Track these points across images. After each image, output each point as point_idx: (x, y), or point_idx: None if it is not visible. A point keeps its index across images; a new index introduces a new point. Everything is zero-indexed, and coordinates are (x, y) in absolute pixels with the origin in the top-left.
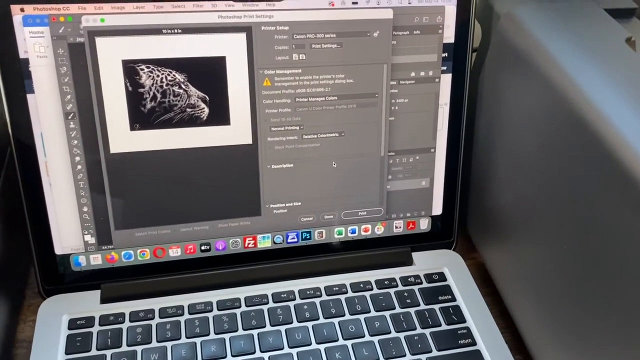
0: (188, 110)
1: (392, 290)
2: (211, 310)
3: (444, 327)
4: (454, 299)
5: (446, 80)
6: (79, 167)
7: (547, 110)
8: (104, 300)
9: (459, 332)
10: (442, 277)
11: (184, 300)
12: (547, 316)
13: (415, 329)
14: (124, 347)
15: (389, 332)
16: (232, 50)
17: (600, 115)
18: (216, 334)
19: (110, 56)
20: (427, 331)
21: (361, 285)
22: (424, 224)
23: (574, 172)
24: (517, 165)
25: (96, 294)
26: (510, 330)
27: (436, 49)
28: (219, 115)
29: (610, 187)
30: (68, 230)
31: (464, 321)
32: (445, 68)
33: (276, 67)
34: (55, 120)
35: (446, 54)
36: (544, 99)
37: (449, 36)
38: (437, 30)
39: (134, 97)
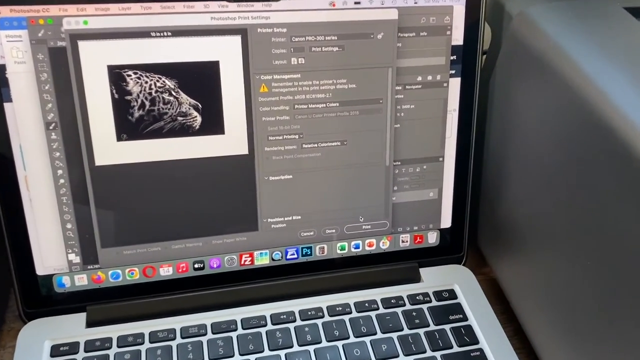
0: (179, 118)
1: (399, 310)
2: (205, 334)
3: (456, 349)
4: (465, 318)
5: (455, 84)
6: (62, 181)
7: (566, 116)
8: (90, 323)
9: (471, 354)
10: (452, 294)
11: (176, 323)
12: (565, 335)
13: (425, 351)
14: None
15: (397, 356)
16: (226, 54)
17: (626, 120)
18: (211, 359)
19: (95, 61)
20: (437, 354)
21: (366, 305)
22: (432, 238)
23: (596, 181)
24: (532, 175)
25: (81, 317)
26: (526, 350)
27: (444, 52)
28: (213, 124)
29: (637, 197)
30: (50, 248)
31: (477, 342)
32: (453, 72)
33: (273, 72)
34: (36, 131)
35: (455, 57)
36: (562, 103)
37: (458, 38)
38: (445, 32)
39: (121, 105)
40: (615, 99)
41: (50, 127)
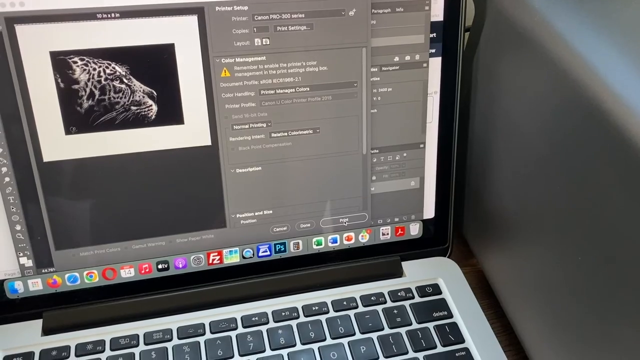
0: (133, 108)
1: (379, 308)
2: (170, 340)
3: (440, 349)
4: (450, 315)
5: (435, 64)
6: (7, 179)
7: (555, 98)
8: (47, 331)
9: (457, 354)
10: (436, 289)
11: (139, 328)
12: (555, 332)
13: (406, 352)
14: None
15: (377, 358)
16: (182, 36)
17: (620, 103)
18: None
19: (36, 47)
20: (420, 355)
21: (344, 303)
22: (415, 230)
23: (588, 168)
24: (521, 161)
25: (37, 324)
26: (515, 347)
27: (423, 29)
28: (170, 113)
29: (632, 185)
30: None
31: (463, 341)
32: (433, 51)
33: (236, 54)
34: None
35: (434, 35)
36: (552, 84)
37: (438, 13)
38: (424, 7)
39: (68, 95)
40: (609, 79)
41: None
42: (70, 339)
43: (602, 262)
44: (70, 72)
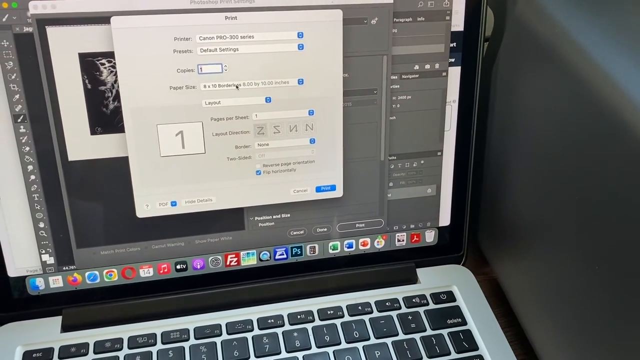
0: None
1: (394, 313)
2: (187, 339)
3: (454, 355)
4: (464, 323)
5: (455, 74)
6: (33, 177)
7: (574, 108)
8: (66, 328)
9: None
10: (450, 296)
11: (157, 327)
12: (569, 341)
13: (421, 358)
14: None
15: None
16: None
17: (639, 113)
18: None
19: (65, 49)
20: None
21: (359, 308)
22: (430, 237)
23: (606, 179)
24: (537, 170)
25: (57, 320)
26: (528, 355)
27: (443, 39)
28: None
29: None
30: (22, 249)
31: (476, 348)
32: (453, 60)
33: None
34: (3, 124)
35: (454, 44)
36: (570, 94)
37: (458, 23)
38: (444, 17)
39: (94, 95)
40: (629, 89)
41: (19, 120)
42: (89, 336)
43: (620, 272)
44: (98, 73)
